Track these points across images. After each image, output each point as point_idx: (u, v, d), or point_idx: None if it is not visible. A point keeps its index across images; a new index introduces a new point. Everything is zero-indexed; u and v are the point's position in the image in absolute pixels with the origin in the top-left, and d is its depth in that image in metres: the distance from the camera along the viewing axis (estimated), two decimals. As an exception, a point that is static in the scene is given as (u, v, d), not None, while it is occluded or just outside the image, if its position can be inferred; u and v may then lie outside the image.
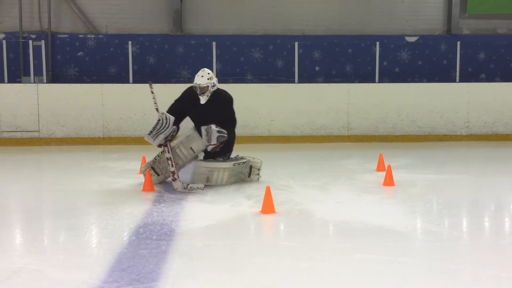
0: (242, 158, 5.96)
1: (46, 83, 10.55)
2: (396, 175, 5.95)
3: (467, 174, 6.82)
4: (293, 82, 10.65)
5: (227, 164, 5.78)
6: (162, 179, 5.89)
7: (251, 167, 5.97)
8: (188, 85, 6.20)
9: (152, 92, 5.72)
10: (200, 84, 5.83)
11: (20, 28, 11.10)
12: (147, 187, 5.49)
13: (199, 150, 5.80)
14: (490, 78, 11.63)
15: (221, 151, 5.83)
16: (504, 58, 11.75)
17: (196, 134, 5.77)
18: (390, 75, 11.51)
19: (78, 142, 9.83)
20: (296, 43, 10.80)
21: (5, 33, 11.11)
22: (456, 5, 11.70)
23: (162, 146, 5.65)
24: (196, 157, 5.87)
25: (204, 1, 11.58)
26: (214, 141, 5.55)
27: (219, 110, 5.92)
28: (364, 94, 10.27)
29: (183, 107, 6.00)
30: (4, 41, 10.79)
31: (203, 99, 5.89)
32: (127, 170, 6.87)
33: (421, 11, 11.88)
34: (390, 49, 11.57)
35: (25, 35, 11.13)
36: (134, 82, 10.57)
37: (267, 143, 9.96)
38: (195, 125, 5.94)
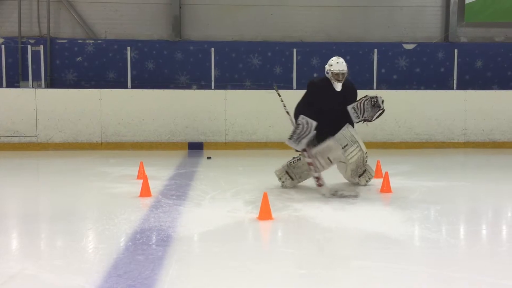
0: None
1: (45, 88, 10.56)
2: (394, 182, 5.97)
3: (464, 181, 6.83)
4: (292, 88, 10.68)
5: (364, 147, 5.86)
6: (295, 184, 5.99)
7: (365, 170, 6.00)
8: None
9: (279, 95, 5.79)
10: (344, 70, 5.76)
11: (19, 33, 11.13)
12: (144, 192, 5.48)
13: (337, 159, 5.74)
14: (487, 86, 11.68)
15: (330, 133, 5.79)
16: (501, 66, 11.81)
17: (334, 143, 5.62)
18: (388, 82, 11.56)
19: (76, 147, 9.83)
20: (295, 50, 10.84)
21: (4, 37, 11.14)
22: (454, 13, 11.77)
23: (302, 151, 5.58)
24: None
25: (203, 7, 11.62)
26: (370, 112, 5.78)
27: (353, 93, 5.96)
28: (362, 101, 10.28)
29: (316, 104, 5.76)
30: (2, 46, 10.81)
31: (339, 86, 5.82)
32: (125, 175, 6.87)
33: (419, 19, 11.94)
34: (388, 57, 11.62)
35: (24, 40, 11.16)
36: (133, 87, 10.59)
37: (265, 149, 9.98)
38: (326, 115, 5.66)
